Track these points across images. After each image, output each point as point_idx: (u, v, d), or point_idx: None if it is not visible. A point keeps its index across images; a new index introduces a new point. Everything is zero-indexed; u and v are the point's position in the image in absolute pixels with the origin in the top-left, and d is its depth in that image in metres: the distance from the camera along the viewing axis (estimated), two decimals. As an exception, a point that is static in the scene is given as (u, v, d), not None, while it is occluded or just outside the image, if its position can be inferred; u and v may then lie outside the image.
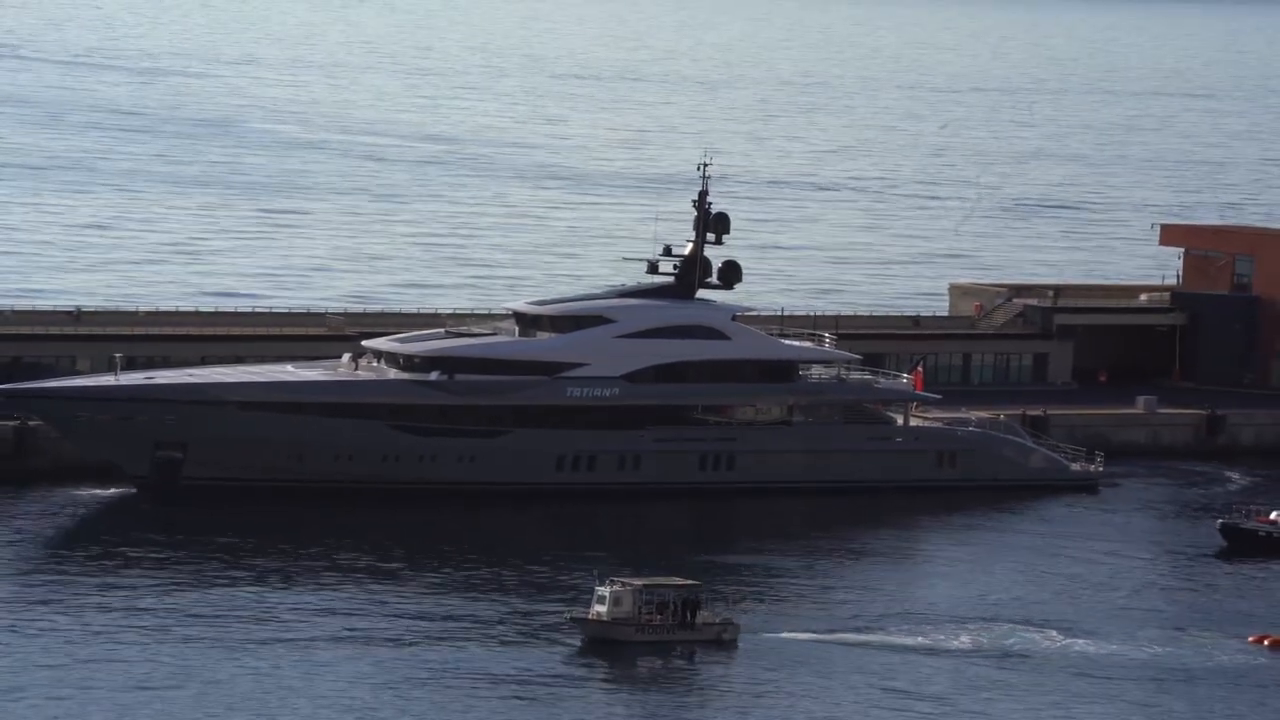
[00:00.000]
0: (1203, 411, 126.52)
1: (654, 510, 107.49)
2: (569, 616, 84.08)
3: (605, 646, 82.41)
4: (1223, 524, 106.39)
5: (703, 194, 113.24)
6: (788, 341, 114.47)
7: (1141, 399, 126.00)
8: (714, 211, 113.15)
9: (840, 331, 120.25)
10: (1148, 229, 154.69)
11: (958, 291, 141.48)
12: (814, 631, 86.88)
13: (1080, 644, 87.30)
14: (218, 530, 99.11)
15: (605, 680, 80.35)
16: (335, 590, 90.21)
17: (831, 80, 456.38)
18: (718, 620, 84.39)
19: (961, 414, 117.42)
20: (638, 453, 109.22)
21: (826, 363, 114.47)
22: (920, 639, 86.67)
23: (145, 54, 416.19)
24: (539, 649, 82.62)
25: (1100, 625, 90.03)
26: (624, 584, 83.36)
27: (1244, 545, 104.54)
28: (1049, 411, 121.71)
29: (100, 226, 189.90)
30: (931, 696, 79.85)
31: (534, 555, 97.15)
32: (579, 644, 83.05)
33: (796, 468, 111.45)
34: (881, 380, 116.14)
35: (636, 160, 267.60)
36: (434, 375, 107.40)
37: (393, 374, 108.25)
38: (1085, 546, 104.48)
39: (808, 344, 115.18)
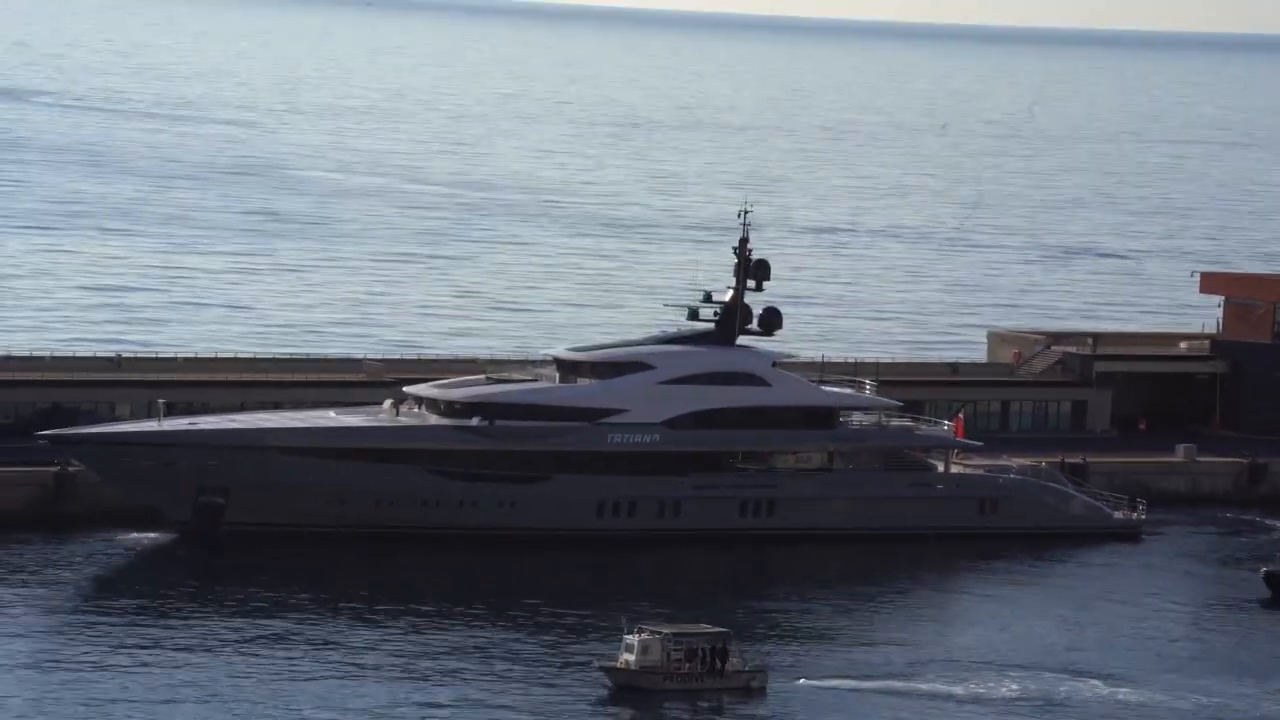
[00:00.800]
0: (1244, 460, 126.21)
1: (693, 557, 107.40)
2: (597, 664, 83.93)
3: (633, 694, 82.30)
4: (1267, 572, 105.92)
5: (743, 241, 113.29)
6: (828, 388, 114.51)
7: (1181, 447, 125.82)
8: (754, 258, 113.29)
9: (880, 378, 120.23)
10: (1188, 276, 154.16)
11: (996, 339, 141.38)
12: (847, 678, 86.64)
13: (1122, 693, 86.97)
14: (259, 575, 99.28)
15: None
16: (371, 635, 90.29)
17: (868, 126, 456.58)
18: (747, 668, 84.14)
19: (1003, 461, 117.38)
20: (678, 499, 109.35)
21: (867, 409, 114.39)
22: (957, 688, 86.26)
23: (182, 100, 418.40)
24: (567, 696, 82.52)
25: (1142, 674, 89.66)
26: (652, 631, 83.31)
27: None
28: (1088, 459, 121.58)
29: (140, 273, 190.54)
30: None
31: (570, 601, 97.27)
32: (607, 692, 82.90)
33: (838, 514, 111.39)
34: (922, 427, 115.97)
35: (676, 207, 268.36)
36: (475, 421, 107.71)
37: (434, 419, 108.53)
38: (1128, 595, 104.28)
39: (848, 390, 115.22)
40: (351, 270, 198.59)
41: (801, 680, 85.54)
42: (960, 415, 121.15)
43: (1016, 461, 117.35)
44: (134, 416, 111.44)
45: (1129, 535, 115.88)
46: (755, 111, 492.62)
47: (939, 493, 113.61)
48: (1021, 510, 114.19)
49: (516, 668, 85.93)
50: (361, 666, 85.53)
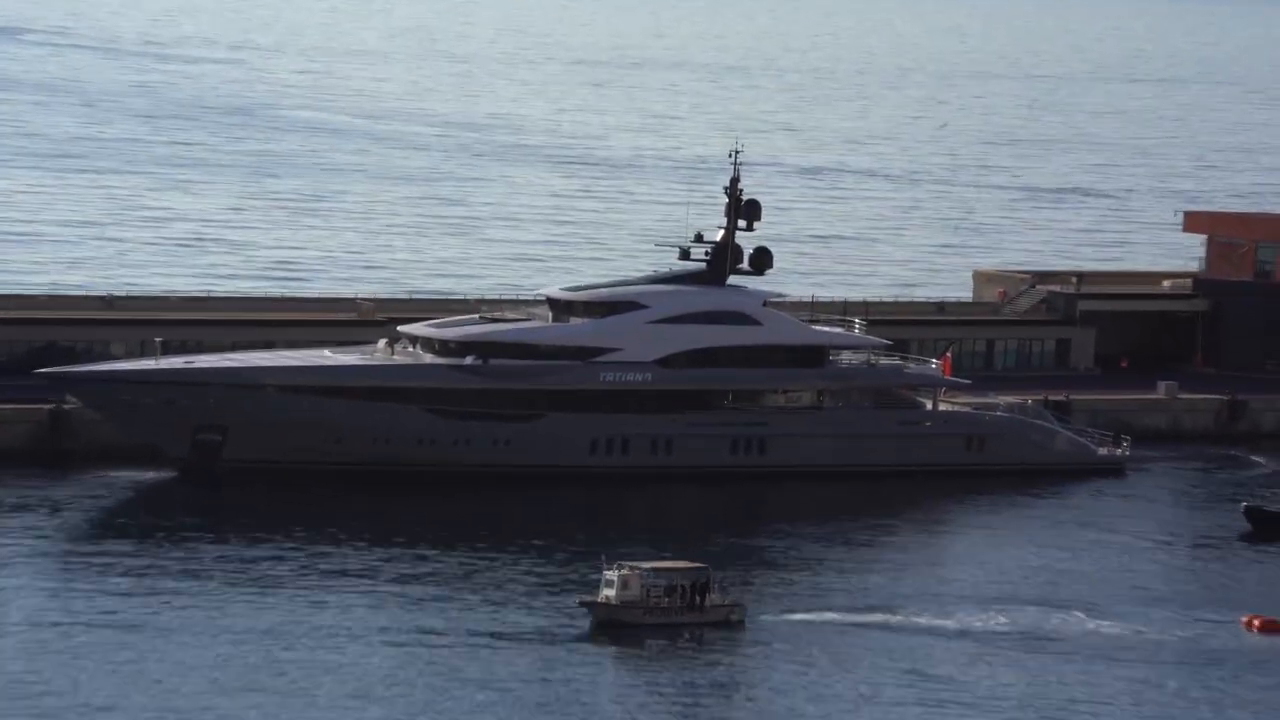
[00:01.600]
0: (1224, 397, 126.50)
1: (685, 494, 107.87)
2: (578, 600, 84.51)
3: (614, 629, 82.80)
4: (1247, 507, 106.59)
5: (734, 180, 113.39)
6: (818, 327, 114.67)
7: (1163, 384, 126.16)
8: (745, 198, 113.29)
9: (869, 317, 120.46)
10: (1172, 215, 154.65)
11: (982, 278, 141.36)
12: (829, 611, 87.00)
13: (1105, 625, 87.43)
14: (255, 512, 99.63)
15: (614, 661, 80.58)
16: (363, 569, 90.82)
17: (861, 67, 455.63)
18: (726, 602, 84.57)
19: (990, 399, 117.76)
20: (670, 436, 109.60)
21: (856, 348, 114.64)
22: (940, 621, 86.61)
23: (175, 39, 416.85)
24: (550, 631, 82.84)
25: (1125, 607, 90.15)
26: (631, 567, 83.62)
27: (1268, 528, 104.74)
28: (1071, 397, 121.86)
29: (131, 212, 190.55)
30: (940, 676, 79.88)
31: (563, 537, 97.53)
32: (589, 627, 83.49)
33: (827, 452, 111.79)
34: (911, 366, 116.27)
35: (667, 146, 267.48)
36: (469, 360, 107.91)
37: (428, 358, 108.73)
38: (1112, 529, 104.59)
39: (838, 330, 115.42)
40: (343, 211, 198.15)
41: (783, 615, 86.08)
42: (948, 354, 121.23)
43: (1003, 399, 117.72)
44: (128, 355, 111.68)
45: (1113, 471, 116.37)
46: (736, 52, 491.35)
47: (927, 430, 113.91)
48: (1008, 447, 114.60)
49: (502, 603, 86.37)
50: (355, 599, 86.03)
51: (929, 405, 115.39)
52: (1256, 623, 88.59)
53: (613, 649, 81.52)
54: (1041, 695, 78.87)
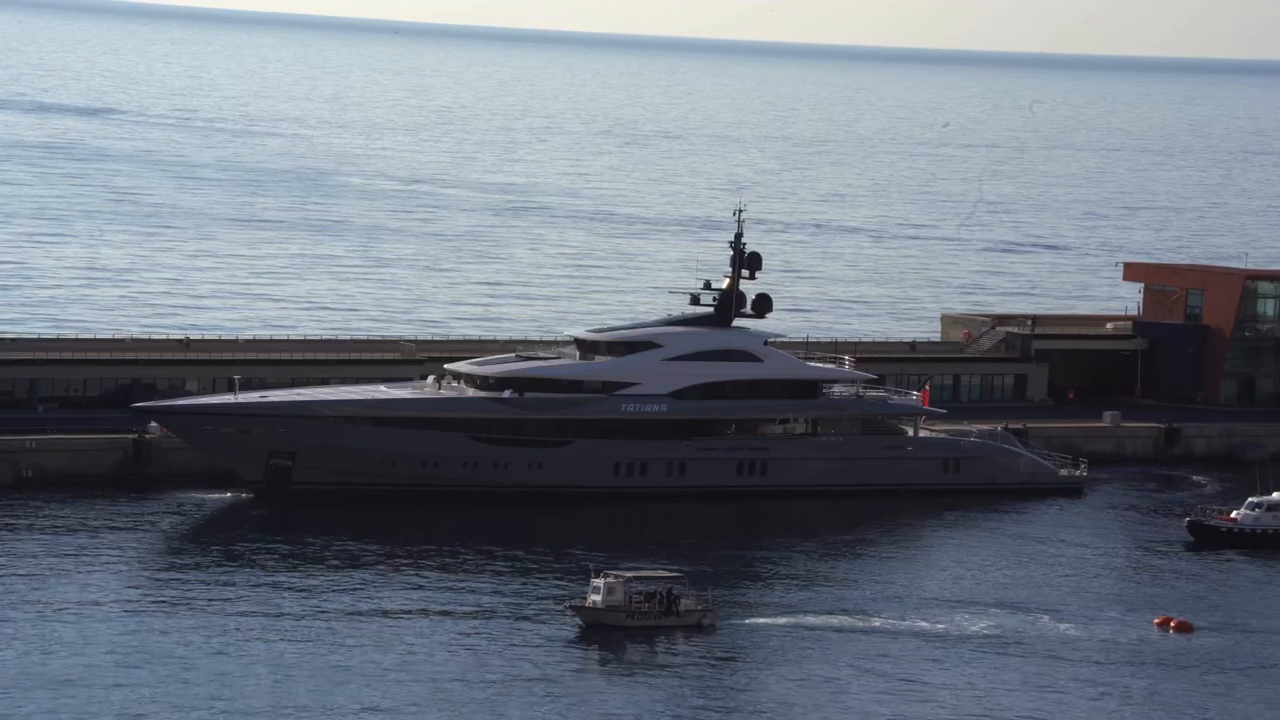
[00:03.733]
0: (1161, 425, 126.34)
1: (696, 510, 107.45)
2: (567, 604, 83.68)
3: (600, 630, 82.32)
4: (1190, 521, 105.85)
5: (738, 235, 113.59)
6: (813, 364, 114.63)
7: (1108, 414, 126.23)
8: (748, 250, 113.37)
9: (857, 355, 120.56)
10: (1113, 266, 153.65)
11: (949, 320, 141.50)
12: (804, 615, 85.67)
13: (1065, 627, 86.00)
14: (322, 527, 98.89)
15: (599, 659, 79.86)
16: (404, 572, 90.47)
17: (841, 139, 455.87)
18: (699, 607, 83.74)
19: (964, 426, 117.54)
20: (683, 460, 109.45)
21: (846, 382, 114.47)
22: (906, 623, 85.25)
23: (246, 116, 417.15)
24: (544, 632, 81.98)
25: (1084, 611, 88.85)
26: (616, 575, 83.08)
27: (1208, 540, 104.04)
28: (1028, 424, 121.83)
29: (211, 267, 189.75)
30: (901, 675, 78.48)
31: (592, 546, 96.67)
32: (577, 628, 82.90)
33: (821, 473, 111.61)
34: (894, 397, 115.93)
35: (679, 205, 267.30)
36: (507, 393, 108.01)
37: (471, 392, 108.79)
38: (1072, 541, 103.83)
39: (830, 365, 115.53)
40: (390, 262, 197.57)
41: (755, 619, 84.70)
42: (927, 386, 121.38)
43: (976, 427, 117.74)
44: (201, 390, 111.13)
45: (1073, 490, 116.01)
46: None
47: (909, 454, 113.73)
48: (981, 469, 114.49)
49: (501, 607, 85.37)
50: (390, 597, 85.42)
51: (911, 432, 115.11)
52: (1172, 624, 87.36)
53: (598, 645, 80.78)
54: (1000, 691, 77.54)
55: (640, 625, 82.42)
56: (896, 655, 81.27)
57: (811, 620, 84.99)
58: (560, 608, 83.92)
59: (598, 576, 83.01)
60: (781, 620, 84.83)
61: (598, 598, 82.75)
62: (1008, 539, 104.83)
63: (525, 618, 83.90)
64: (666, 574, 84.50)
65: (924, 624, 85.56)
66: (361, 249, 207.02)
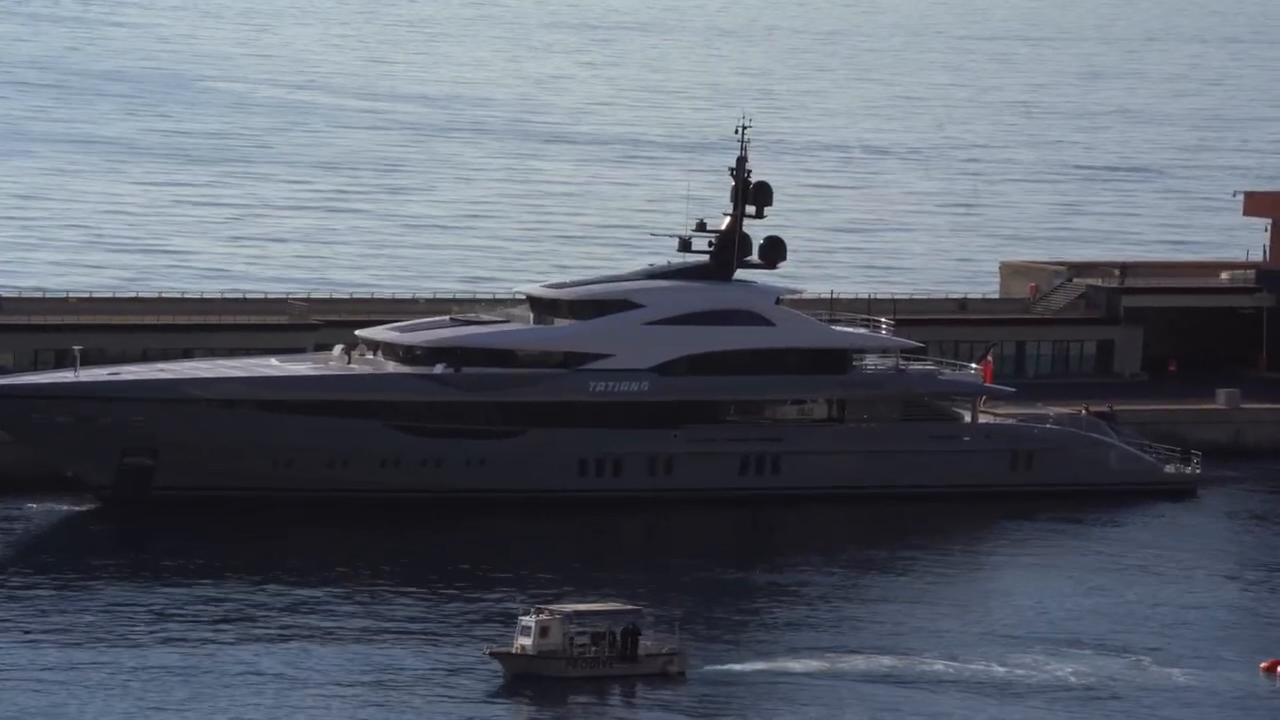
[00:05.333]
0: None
1: (687, 521, 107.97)
2: (488, 651, 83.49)
3: (530, 684, 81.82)
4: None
5: (741, 160, 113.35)
6: (839, 328, 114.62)
7: (1223, 392, 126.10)
8: (754, 180, 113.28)
9: (898, 316, 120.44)
10: (1230, 196, 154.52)
11: (1010, 270, 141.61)
12: (806, 660, 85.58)
13: (1167, 673, 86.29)
14: (191, 548, 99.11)
15: None
16: (305, 613, 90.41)
17: (870, 32, 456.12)
18: (664, 650, 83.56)
19: (1037, 410, 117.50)
20: (670, 455, 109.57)
21: (883, 351, 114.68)
22: (951, 669, 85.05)
23: None
24: (458, 687, 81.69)
25: (1192, 654, 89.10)
26: (551, 612, 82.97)
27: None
28: (1115, 407, 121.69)
29: (27, 201, 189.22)
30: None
31: (548, 570, 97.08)
32: (500, 682, 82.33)
33: (849, 471, 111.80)
34: (946, 371, 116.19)
35: (665, 123, 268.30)
36: (438, 369, 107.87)
37: (391, 367, 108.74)
38: (1182, 563, 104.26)
39: (861, 330, 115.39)
40: (277, 197, 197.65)
41: (737, 665, 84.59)
42: (989, 357, 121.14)
43: (1053, 409, 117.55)
44: (22, 367, 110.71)
45: (1183, 492, 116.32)
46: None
47: (965, 446, 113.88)
48: (1060, 465, 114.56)
49: (415, 652, 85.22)
50: (278, 651, 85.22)
51: (967, 417, 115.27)
52: None
53: (526, 707, 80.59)
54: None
55: (584, 675, 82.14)
56: (946, 713, 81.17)
57: (827, 666, 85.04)
58: (482, 654, 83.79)
59: (529, 613, 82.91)
60: (783, 666, 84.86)
61: (527, 641, 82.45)
62: (1095, 557, 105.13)
63: (439, 668, 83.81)
64: (620, 607, 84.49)
65: (983, 668, 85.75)
66: (238, 179, 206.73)
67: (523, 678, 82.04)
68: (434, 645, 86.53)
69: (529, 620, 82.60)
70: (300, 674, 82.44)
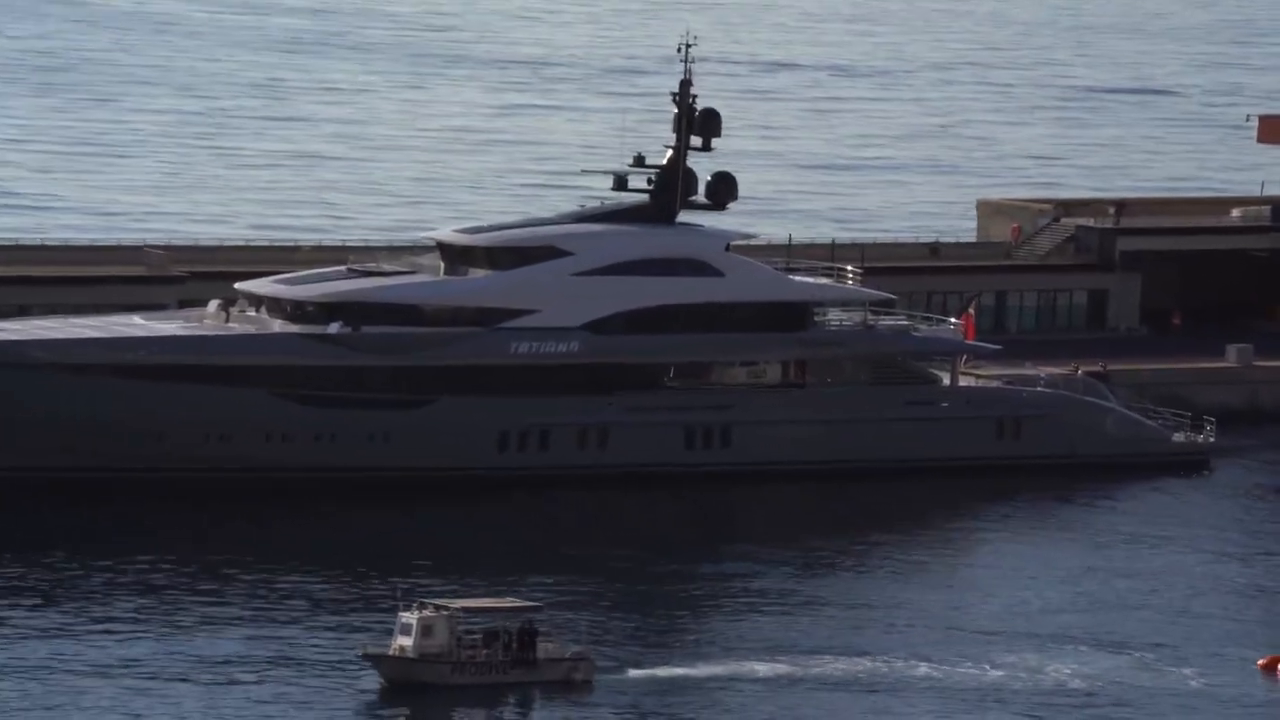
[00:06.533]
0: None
1: (622, 502, 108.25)
2: (361, 652, 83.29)
3: (410, 692, 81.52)
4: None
5: (685, 85, 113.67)
6: (797, 278, 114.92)
7: (1233, 349, 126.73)
8: (700, 107, 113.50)
9: (867, 264, 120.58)
10: (1243, 122, 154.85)
11: (989, 209, 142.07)
12: (757, 661, 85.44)
13: (1172, 671, 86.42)
14: (32, 540, 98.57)
15: None
16: (166, 608, 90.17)
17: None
18: (567, 655, 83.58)
19: (1027, 370, 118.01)
20: (604, 426, 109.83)
21: (849, 305, 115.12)
22: (931, 668, 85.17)
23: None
24: (326, 695, 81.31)
25: (1177, 647, 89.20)
26: (437, 608, 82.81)
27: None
28: (1110, 366, 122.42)
29: None
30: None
31: (451, 558, 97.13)
32: (376, 689, 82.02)
33: (810, 444, 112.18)
34: (922, 327, 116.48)
35: (595, 41, 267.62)
36: (333, 327, 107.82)
37: (277, 326, 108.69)
38: (1192, 545, 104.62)
39: (825, 281, 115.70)
40: (132, 130, 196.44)
41: (654, 670, 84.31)
42: (971, 309, 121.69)
43: (1045, 370, 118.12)
44: None
45: (1194, 464, 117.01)
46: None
47: (944, 413, 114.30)
48: (1052, 434, 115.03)
49: (299, 659, 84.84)
50: (98, 656, 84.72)
51: (946, 380, 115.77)
52: None
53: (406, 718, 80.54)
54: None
55: (473, 683, 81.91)
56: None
57: (775, 671, 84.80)
58: (356, 656, 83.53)
59: (410, 609, 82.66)
60: (719, 671, 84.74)
61: (408, 641, 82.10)
62: (1092, 540, 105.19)
63: (305, 674, 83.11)
64: (519, 604, 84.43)
65: (962, 670, 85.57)
66: (80, 105, 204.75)
67: (400, 684, 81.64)
68: (300, 647, 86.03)
69: (410, 617, 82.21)
70: (136, 681, 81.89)
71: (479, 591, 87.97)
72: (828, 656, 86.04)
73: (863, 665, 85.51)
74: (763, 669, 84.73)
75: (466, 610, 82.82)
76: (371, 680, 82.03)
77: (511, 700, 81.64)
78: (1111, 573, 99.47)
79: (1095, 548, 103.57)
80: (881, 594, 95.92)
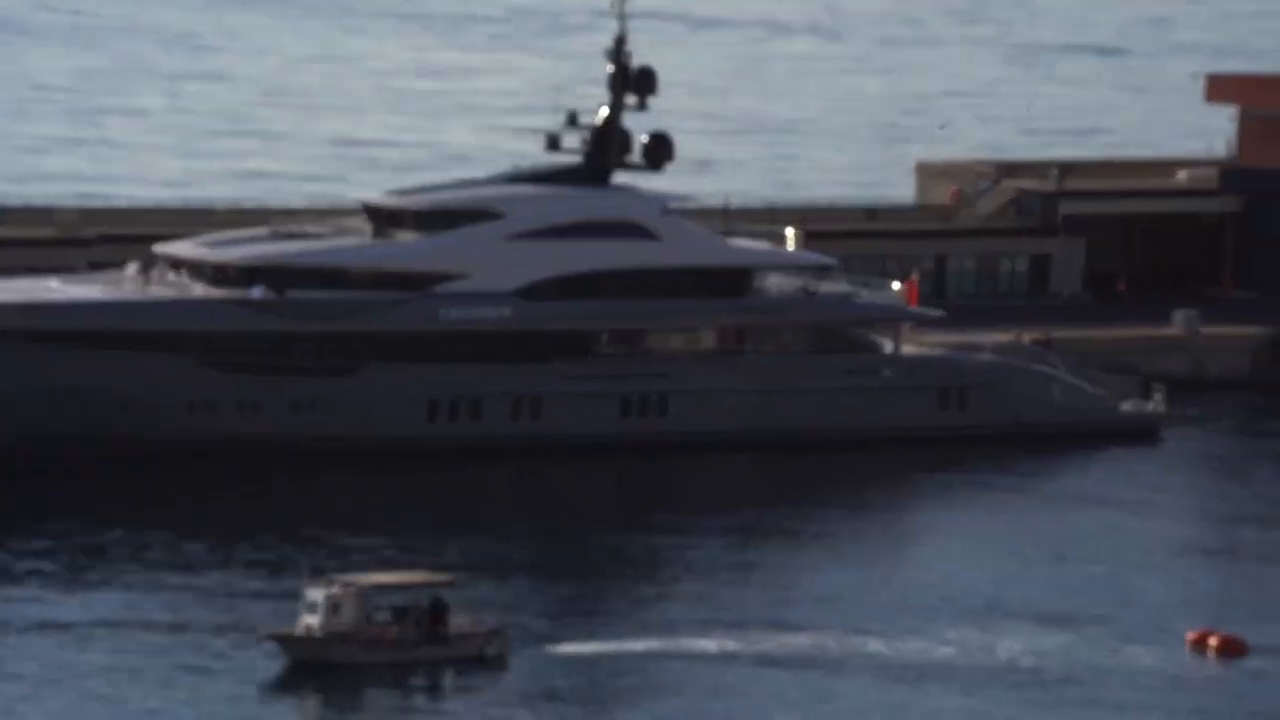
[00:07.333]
0: (1263, 331, 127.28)
1: (556, 473, 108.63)
2: (264, 633, 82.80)
3: (317, 671, 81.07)
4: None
5: (619, 41, 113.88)
6: (736, 242, 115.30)
7: (1181, 314, 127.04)
8: (635, 65, 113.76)
9: (808, 227, 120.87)
10: (1189, 79, 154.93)
11: (928, 171, 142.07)
12: (684, 637, 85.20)
13: (1138, 653, 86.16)
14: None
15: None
16: (64, 574, 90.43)
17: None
18: (480, 630, 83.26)
19: (971, 338, 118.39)
20: (538, 395, 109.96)
21: (790, 270, 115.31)
22: (863, 646, 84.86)
23: None
24: (230, 677, 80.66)
25: (1120, 624, 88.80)
26: (344, 584, 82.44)
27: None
28: (1053, 334, 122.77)
29: None
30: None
31: (375, 532, 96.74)
32: (278, 671, 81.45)
33: (748, 413, 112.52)
34: (863, 293, 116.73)
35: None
36: (256, 292, 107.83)
37: (199, 290, 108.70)
38: (1139, 515, 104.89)
39: (764, 245, 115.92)
40: (37, 80, 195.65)
41: (573, 646, 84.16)
42: (915, 275, 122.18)
43: (990, 338, 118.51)
44: None
45: (1144, 433, 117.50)
46: None
47: (886, 381, 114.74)
48: (998, 403, 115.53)
49: (198, 636, 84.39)
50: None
51: (889, 348, 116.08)
52: (1213, 641, 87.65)
53: (311, 701, 79.75)
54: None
55: (383, 661, 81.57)
56: (848, 698, 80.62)
57: (703, 647, 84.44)
58: (259, 638, 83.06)
59: (316, 585, 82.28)
60: (643, 648, 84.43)
61: (314, 619, 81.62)
62: (1039, 512, 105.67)
63: (203, 655, 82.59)
64: (430, 578, 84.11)
65: (901, 645, 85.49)
66: None
67: (307, 665, 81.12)
68: (202, 627, 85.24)
69: (317, 594, 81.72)
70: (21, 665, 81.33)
71: (400, 565, 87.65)
72: (764, 631, 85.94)
73: (801, 640, 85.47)
74: (694, 644, 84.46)
75: (377, 586, 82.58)
76: (275, 662, 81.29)
77: (420, 678, 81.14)
78: (1057, 543, 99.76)
79: (1042, 519, 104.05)
80: (821, 567, 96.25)
